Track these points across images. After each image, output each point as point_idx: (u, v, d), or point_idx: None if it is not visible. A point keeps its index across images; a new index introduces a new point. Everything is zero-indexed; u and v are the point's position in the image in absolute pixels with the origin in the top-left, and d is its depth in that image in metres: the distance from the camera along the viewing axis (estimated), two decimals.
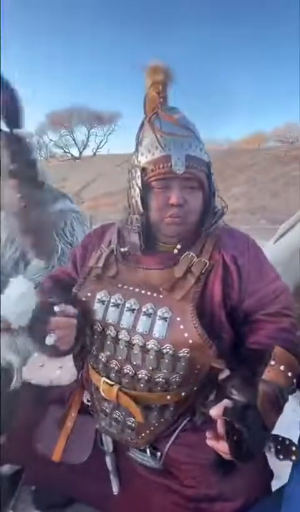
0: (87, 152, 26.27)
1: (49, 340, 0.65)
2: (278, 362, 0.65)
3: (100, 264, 0.76)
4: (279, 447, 0.60)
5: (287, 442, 0.61)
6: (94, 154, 26.03)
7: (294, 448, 0.60)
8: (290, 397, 0.69)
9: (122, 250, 0.77)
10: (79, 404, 0.85)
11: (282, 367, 0.64)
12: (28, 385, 1.01)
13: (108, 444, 0.82)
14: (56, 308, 0.69)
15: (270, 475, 0.71)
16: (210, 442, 0.58)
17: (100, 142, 26.13)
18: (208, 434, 0.58)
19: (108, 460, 0.83)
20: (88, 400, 0.84)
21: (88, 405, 0.84)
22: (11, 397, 1.02)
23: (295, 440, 0.61)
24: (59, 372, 0.93)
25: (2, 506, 0.90)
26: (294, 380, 0.66)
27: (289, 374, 0.64)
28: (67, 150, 25.90)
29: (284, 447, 0.60)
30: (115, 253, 0.77)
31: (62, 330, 0.67)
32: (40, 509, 0.97)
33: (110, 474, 0.83)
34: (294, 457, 0.60)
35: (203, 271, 0.70)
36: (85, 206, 14.23)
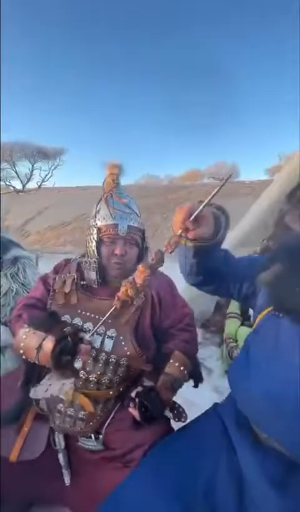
0: (32, 184, 25.82)
1: (78, 364, 0.80)
2: (175, 361, 1.00)
3: (67, 290, 1.03)
4: (175, 412, 0.94)
5: (181, 409, 0.95)
6: (39, 187, 25.71)
7: (184, 415, 0.95)
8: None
9: (82, 283, 1.06)
10: (34, 412, 1.06)
11: (177, 364, 1.00)
12: None
13: (60, 442, 1.03)
14: (87, 337, 0.82)
15: (171, 429, 1.02)
16: (131, 410, 0.91)
17: (46, 176, 26.01)
18: (130, 404, 0.91)
19: (60, 456, 1.03)
20: (41, 410, 1.06)
21: (42, 413, 1.06)
22: None
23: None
24: None
25: None
26: (186, 372, 1.01)
27: (182, 368, 1.00)
28: (8, 183, 25.15)
29: (177, 412, 0.94)
30: (76, 281, 1.04)
31: (86, 356, 0.82)
32: None
33: (63, 468, 1.03)
34: (183, 419, 0.94)
35: (140, 303, 1.01)
36: (31, 240, 13.88)
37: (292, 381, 0.67)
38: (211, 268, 0.88)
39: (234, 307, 2.13)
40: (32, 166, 25.70)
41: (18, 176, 25.42)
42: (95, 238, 1.03)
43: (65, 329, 0.84)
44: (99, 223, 1.03)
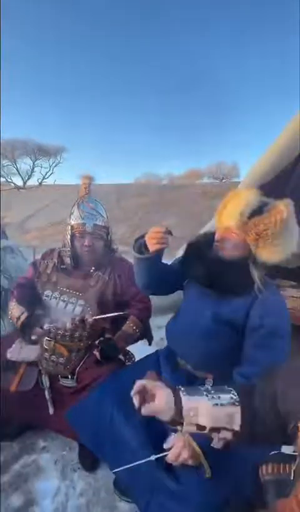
0: (33, 181, 25.94)
1: (34, 337, 1.29)
2: (130, 322, 1.38)
3: (49, 271, 1.41)
4: (127, 356, 1.32)
5: (131, 354, 1.32)
6: (40, 184, 25.87)
7: (133, 358, 1.33)
8: None
9: (62, 266, 1.43)
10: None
11: (131, 324, 1.38)
12: None
13: (46, 382, 1.40)
14: (46, 326, 1.28)
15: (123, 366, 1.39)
16: (94, 352, 1.28)
17: (46, 173, 26.14)
18: (95, 350, 1.28)
19: (46, 393, 1.39)
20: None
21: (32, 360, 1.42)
22: None
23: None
24: None
25: None
26: (138, 330, 1.39)
27: (134, 328, 1.38)
28: (9, 180, 25.26)
29: (128, 356, 1.31)
30: (56, 265, 1.42)
31: (39, 333, 1.31)
32: None
33: (48, 402, 1.40)
34: (131, 361, 1.31)
35: (104, 282, 1.39)
36: (31, 236, 14.20)
37: (196, 322, 1.06)
38: (154, 274, 1.14)
39: None
40: (33, 163, 25.82)
41: (19, 173, 25.52)
42: (70, 233, 1.41)
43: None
44: (72, 222, 1.41)
